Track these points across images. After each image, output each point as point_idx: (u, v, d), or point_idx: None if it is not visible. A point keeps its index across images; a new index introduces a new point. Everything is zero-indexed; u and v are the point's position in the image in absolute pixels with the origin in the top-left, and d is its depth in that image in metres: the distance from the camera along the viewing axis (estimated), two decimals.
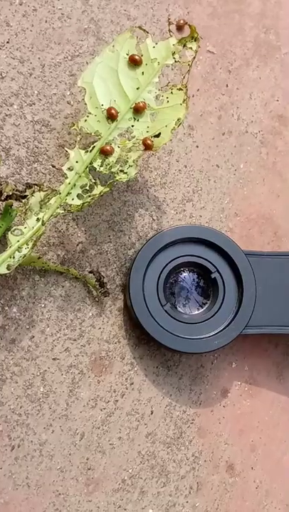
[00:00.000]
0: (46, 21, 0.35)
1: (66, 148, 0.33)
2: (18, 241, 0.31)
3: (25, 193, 0.31)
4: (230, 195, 0.37)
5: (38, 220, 0.31)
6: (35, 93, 0.34)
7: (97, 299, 0.34)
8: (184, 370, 0.35)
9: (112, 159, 0.32)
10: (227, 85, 0.38)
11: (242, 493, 0.35)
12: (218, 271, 0.34)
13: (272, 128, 0.38)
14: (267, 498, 0.36)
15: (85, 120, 0.32)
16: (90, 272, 0.33)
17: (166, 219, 0.35)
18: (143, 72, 0.32)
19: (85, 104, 0.32)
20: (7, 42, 0.34)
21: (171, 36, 0.32)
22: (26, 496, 0.32)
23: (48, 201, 0.31)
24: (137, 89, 0.32)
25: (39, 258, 0.32)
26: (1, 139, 0.34)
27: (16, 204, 0.31)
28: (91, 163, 0.31)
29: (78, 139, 0.32)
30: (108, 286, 0.34)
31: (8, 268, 0.30)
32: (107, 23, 0.36)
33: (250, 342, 0.35)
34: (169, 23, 0.32)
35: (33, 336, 0.33)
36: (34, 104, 0.34)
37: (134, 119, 0.32)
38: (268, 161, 0.38)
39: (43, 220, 0.31)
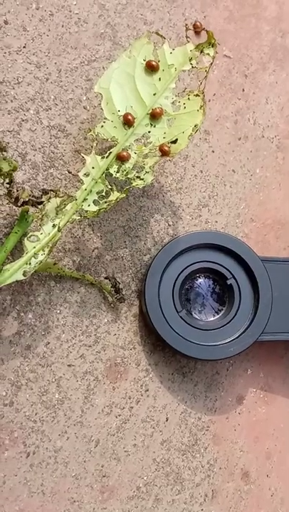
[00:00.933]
0: (63, 26, 0.35)
1: (82, 154, 0.33)
2: (34, 247, 0.31)
3: (42, 199, 0.31)
4: (246, 200, 0.37)
5: (54, 226, 0.31)
6: (51, 98, 0.34)
7: (112, 305, 0.34)
8: (199, 376, 0.35)
9: (128, 165, 0.32)
10: (243, 90, 0.38)
11: (257, 501, 0.35)
12: (233, 277, 0.34)
13: (287, 133, 0.38)
14: (282, 506, 0.36)
15: (102, 126, 0.32)
16: (106, 278, 0.33)
17: (181, 224, 0.35)
18: (160, 78, 0.32)
19: (102, 109, 0.32)
20: (24, 47, 0.34)
21: (188, 42, 0.32)
22: (41, 503, 0.32)
23: (64, 207, 0.31)
24: (154, 95, 0.32)
25: (55, 264, 0.32)
26: (18, 144, 0.34)
27: (32, 210, 0.31)
28: (107, 169, 0.31)
29: (94, 144, 0.32)
30: (124, 292, 0.34)
31: (24, 274, 0.30)
32: (123, 28, 0.36)
33: (265, 349, 0.35)
34: (187, 29, 0.32)
35: (49, 342, 0.33)
36: (50, 109, 0.34)
37: (151, 125, 0.32)
38: (284, 166, 0.38)
39: (59, 226, 0.31)
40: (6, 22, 0.34)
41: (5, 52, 0.34)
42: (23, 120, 0.34)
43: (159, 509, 0.33)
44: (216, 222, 0.36)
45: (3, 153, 0.30)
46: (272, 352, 0.36)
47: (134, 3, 0.36)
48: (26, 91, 0.34)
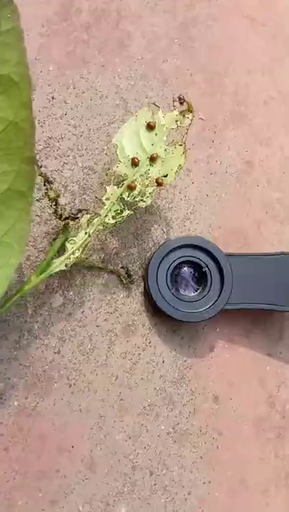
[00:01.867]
0: (91, 99, 0.35)
1: (105, 185, 0.33)
2: (73, 247, 0.31)
3: (78, 216, 0.31)
4: (215, 215, 0.36)
5: (85, 233, 0.31)
6: (83, 148, 0.35)
7: (126, 285, 0.34)
8: (184, 332, 0.35)
9: (135, 192, 0.32)
10: (213, 141, 0.37)
11: (223, 416, 0.35)
12: (207, 267, 0.34)
13: (244, 169, 0.38)
14: (241, 418, 0.35)
15: (117, 166, 0.32)
16: (121, 268, 0.34)
17: (172, 232, 0.35)
18: (156, 134, 0.32)
19: (117, 155, 0.32)
20: (65, 114, 0.35)
21: (174, 109, 0.32)
22: (79, 418, 0.32)
23: (92, 221, 0.31)
24: (152, 145, 0.32)
25: (86, 259, 0.33)
26: (61, 179, 0.34)
27: (71, 223, 0.31)
28: (121, 195, 0.32)
29: (112, 178, 0.32)
30: (133, 277, 0.34)
31: (66, 266, 0.31)
32: (131, 101, 0.36)
33: (229, 314, 0.35)
34: (174, 100, 0.32)
35: (84, 311, 0.33)
36: (83, 155, 0.34)
37: (150, 165, 0.32)
38: (240, 192, 0.38)
39: (89, 234, 0.31)
40: (52, 98, 0.35)
41: (52, 118, 0.34)
42: (65, 163, 0.34)
43: (158, 421, 0.33)
44: (195, 230, 0.36)
45: (51, 185, 0.30)
46: (233, 316, 0.36)
47: (138, 84, 0.36)
48: (67, 144, 0.34)
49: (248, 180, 0.38)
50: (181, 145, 0.32)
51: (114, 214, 0.31)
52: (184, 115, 0.32)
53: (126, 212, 0.32)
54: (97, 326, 0.33)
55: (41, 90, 0.34)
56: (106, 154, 0.35)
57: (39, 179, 0.32)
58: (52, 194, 0.30)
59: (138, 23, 0.37)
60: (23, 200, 0.27)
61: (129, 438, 0.33)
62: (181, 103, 0.32)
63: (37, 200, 0.33)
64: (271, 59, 0.40)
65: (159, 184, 0.32)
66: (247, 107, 0.39)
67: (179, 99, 0.32)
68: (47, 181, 0.30)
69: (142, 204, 0.32)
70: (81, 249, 0.31)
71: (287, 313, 0.37)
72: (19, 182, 0.26)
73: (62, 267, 0.30)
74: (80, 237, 0.31)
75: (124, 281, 0.34)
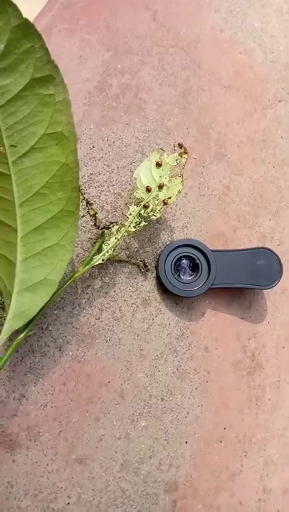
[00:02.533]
0: (119, 147, 0.35)
1: (128, 205, 0.33)
2: (107, 248, 0.31)
3: (110, 226, 0.31)
4: (204, 223, 0.36)
5: (115, 238, 0.31)
6: (114, 180, 0.34)
7: (143, 273, 0.34)
8: (184, 304, 0.35)
9: (149, 209, 0.31)
10: (202, 173, 0.37)
11: (211, 360, 0.35)
12: (199, 259, 0.34)
13: (223, 192, 0.37)
14: (223, 361, 0.35)
15: (137, 192, 0.32)
16: (140, 261, 0.33)
17: (175, 236, 0.35)
18: (162, 169, 0.32)
19: (136, 184, 0.32)
20: (101, 157, 0.34)
21: (175, 152, 0.31)
22: (113, 363, 0.32)
23: (120, 229, 0.31)
24: (160, 177, 0.32)
25: (116, 255, 0.33)
26: (99, 201, 0.34)
27: (106, 231, 0.31)
28: (139, 211, 0.31)
29: (134, 200, 0.32)
30: (148, 267, 0.34)
31: (102, 260, 0.31)
32: (146, 147, 0.36)
33: (214, 291, 0.35)
34: (174, 146, 0.32)
35: (115, 290, 0.33)
36: (114, 185, 0.34)
37: (159, 191, 0.32)
38: (221, 207, 0.37)
39: (118, 238, 0.31)
40: (93, 146, 0.34)
41: (93, 160, 0.34)
42: (101, 191, 0.34)
43: (166, 364, 0.33)
44: (191, 234, 0.36)
45: (91, 206, 0.30)
46: (218, 292, 0.36)
47: (151, 136, 0.36)
48: (103, 177, 0.34)
49: (226, 199, 0.37)
50: (179, 176, 0.31)
51: (134, 224, 0.31)
52: (181, 156, 0.32)
53: (143, 223, 0.31)
54: (124, 301, 0.33)
55: (85, 142, 0.34)
56: (129, 184, 0.35)
57: (84, 202, 0.32)
58: (91, 212, 0.30)
59: (151, 94, 0.37)
60: (73, 216, 0.27)
61: (147, 376, 0.33)
62: (180, 148, 0.32)
63: (83, 216, 0.33)
64: (243, 114, 0.40)
65: (165, 203, 0.32)
66: (226, 148, 0.38)
67: (179, 145, 0.32)
68: (88, 203, 0.30)
69: (153, 218, 0.32)
70: (113, 249, 0.31)
71: (255, 290, 0.37)
72: (70, 204, 0.27)
73: (100, 261, 0.31)
74: (112, 241, 0.31)
75: (142, 270, 0.34)
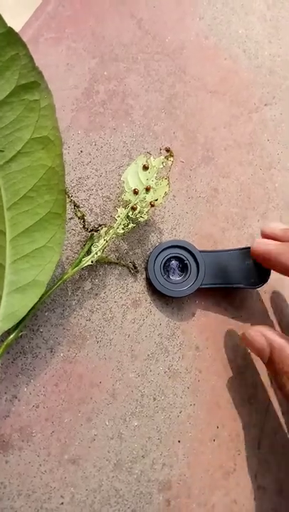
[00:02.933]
0: (107, 152, 0.35)
1: (117, 208, 0.34)
2: (96, 249, 0.31)
3: (99, 228, 0.32)
4: (192, 225, 0.37)
5: (104, 240, 0.31)
6: (102, 184, 0.35)
7: (133, 274, 0.34)
8: (174, 304, 0.35)
9: (137, 211, 0.32)
10: (190, 176, 0.38)
11: (202, 359, 0.35)
12: (187, 260, 0.34)
13: (211, 194, 0.38)
14: (214, 360, 0.36)
15: (124, 195, 0.32)
16: (130, 262, 0.34)
17: (163, 237, 0.35)
18: (149, 172, 0.32)
19: (124, 187, 0.32)
20: (90, 162, 0.35)
21: (161, 154, 0.32)
22: (104, 363, 0.32)
23: (109, 231, 0.31)
24: (147, 180, 0.32)
25: (106, 257, 0.33)
26: (88, 204, 0.34)
27: (95, 233, 0.31)
28: (127, 213, 0.32)
29: (122, 203, 0.33)
30: (138, 268, 0.34)
31: (92, 262, 0.31)
32: (134, 151, 0.36)
33: (204, 291, 0.35)
34: (160, 149, 0.33)
35: (105, 292, 0.33)
36: (102, 188, 0.35)
37: (146, 193, 0.32)
38: (210, 209, 0.38)
39: (107, 240, 0.31)
40: (81, 151, 0.35)
41: (81, 165, 0.35)
42: (90, 194, 0.34)
43: (158, 364, 0.33)
44: (179, 236, 0.36)
45: (78, 208, 0.31)
46: (207, 292, 0.36)
47: (138, 140, 0.37)
48: (91, 181, 0.35)
49: (214, 201, 0.38)
50: (166, 179, 0.32)
51: (123, 226, 0.32)
52: (167, 159, 0.32)
53: (131, 225, 0.32)
54: (115, 302, 0.33)
55: (73, 147, 0.35)
56: (118, 187, 0.35)
57: (72, 205, 0.32)
58: (79, 214, 0.31)
59: (137, 99, 0.38)
60: (60, 219, 0.27)
61: (139, 376, 0.33)
62: (167, 151, 0.33)
63: (71, 218, 0.33)
64: (229, 118, 0.41)
65: (152, 205, 0.32)
66: (213, 152, 0.39)
67: (166, 149, 0.33)
68: (75, 206, 0.31)
69: (141, 219, 0.32)
70: (102, 251, 0.31)
71: (244, 289, 0.37)
72: (57, 207, 0.27)
73: (89, 263, 0.31)
74: (101, 243, 0.31)
75: (132, 272, 0.34)
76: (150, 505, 0.32)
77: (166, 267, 0.34)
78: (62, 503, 0.30)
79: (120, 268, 0.34)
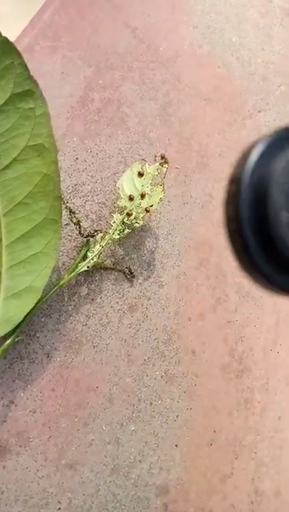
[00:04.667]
0: (102, 159, 0.36)
1: (112, 214, 0.34)
2: (92, 255, 0.31)
3: (94, 234, 0.32)
4: (188, 230, 0.37)
5: (100, 245, 0.31)
6: (98, 190, 0.35)
7: (129, 279, 0.34)
8: (170, 309, 0.35)
9: (132, 217, 0.32)
10: (185, 182, 0.38)
11: (199, 363, 0.35)
12: None
13: (206, 200, 0.38)
14: (210, 365, 0.35)
15: (120, 201, 0.32)
16: (126, 268, 0.34)
17: (159, 242, 0.36)
18: (144, 178, 0.32)
19: (120, 194, 0.32)
20: (85, 168, 0.35)
21: (156, 162, 0.32)
22: (100, 368, 0.33)
23: (104, 237, 0.32)
24: (142, 186, 0.32)
25: (102, 262, 0.33)
26: (84, 211, 0.34)
27: (91, 239, 0.32)
28: (123, 219, 0.32)
29: (117, 209, 0.33)
30: (134, 274, 0.34)
31: (88, 267, 0.31)
32: (129, 158, 0.37)
33: (201, 295, 0.35)
34: (155, 156, 0.33)
35: (101, 297, 0.34)
36: (98, 195, 0.35)
37: (141, 199, 0.32)
38: (205, 215, 0.38)
39: (102, 246, 0.31)
40: (76, 158, 0.35)
41: (77, 172, 0.35)
42: (86, 200, 0.35)
43: (154, 369, 0.33)
44: (175, 241, 0.36)
45: (74, 214, 0.31)
46: (204, 297, 0.36)
47: (134, 147, 0.37)
48: (87, 188, 0.35)
49: (209, 206, 0.38)
50: (160, 185, 0.32)
51: (118, 232, 0.32)
52: (162, 165, 0.33)
53: (126, 231, 0.32)
54: (111, 307, 0.34)
55: (69, 154, 0.35)
56: (113, 194, 0.35)
57: (68, 211, 0.33)
58: (75, 220, 0.31)
59: (132, 107, 0.38)
60: (56, 225, 0.28)
61: (135, 380, 0.33)
62: (162, 158, 0.33)
63: (67, 224, 0.34)
64: (223, 124, 0.41)
65: (147, 211, 0.32)
66: (208, 158, 0.39)
67: (161, 156, 0.33)
68: (71, 212, 0.31)
69: (136, 225, 0.32)
70: (98, 256, 0.32)
71: (241, 294, 0.37)
72: (52, 213, 0.27)
73: (85, 268, 0.31)
74: (97, 248, 0.32)
75: (128, 277, 0.34)
76: (148, 510, 0.31)
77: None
78: (59, 509, 0.30)
79: (116, 273, 0.34)
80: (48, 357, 0.31)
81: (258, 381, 0.37)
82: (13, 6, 0.41)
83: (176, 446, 0.33)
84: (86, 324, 0.33)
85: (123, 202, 0.32)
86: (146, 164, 0.33)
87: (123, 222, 0.32)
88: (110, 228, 0.32)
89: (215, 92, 0.41)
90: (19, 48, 0.25)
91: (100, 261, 0.33)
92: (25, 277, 0.27)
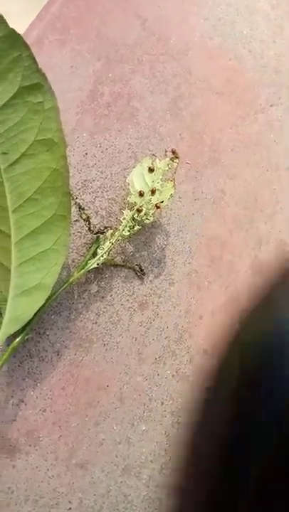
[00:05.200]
0: (112, 154, 0.35)
1: (122, 210, 0.33)
2: (102, 252, 0.31)
3: (104, 231, 0.31)
4: (199, 227, 0.36)
5: (110, 242, 0.31)
6: (108, 186, 0.35)
7: (139, 276, 0.34)
8: (181, 307, 0.34)
9: (142, 213, 0.32)
10: (196, 177, 0.37)
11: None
12: None
13: (218, 196, 0.38)
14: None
15: (130, 197, 0.32)
16: (136, 265, 0.34)
17: (170, 239, 0.35)
18: (155, 174, 0.32)
19: (130, 190, 0.32)
20: (95, 164, 0.35)
21: (166, 157, 0.32)
22: (111, 366, 0.32)
23: (114, 234, 0.31)
24: (152, 182, 0.32)
25: (112, 259, 0.33)
26: (94, 207, 0.34)
27: (100, 236, 0.31)
28: (133, 215, 0.32)
29: (127, 205, 0.32)
30: (144, 271, 0.34)
31: (98, 264, 0.31)
32: (139, 153, 0.36)
33: (211, 293, 0.35)
34: (166, 151, 0.33)
35: (112, 294, 0.33)
36: (108, 191, 0.35)
37: (151, 195, 0.32)
38: (216, 211, 0.37)
39: (112, 242, 0.31)
40: (86, 153, 0.35)
41: (86, 167, 0.35)
42: (96, 197, 0.34)
43: (165, 368, 0.33)
44: (186, 237, 0.36)
45: (83, 210, 0.31)
46: (215, 295, 0.35)
47: (144, 142, 0.36)
48: (97, 183, 0.34)
49: (221, 203, 0.37)
50: (171, 181, 0.32)
51: (128, 228, 0.32)
52: (172, 161, 0.32)
53: (137, 227, 0.32)
54: (121, 305, 0.33)
55: (78, 149, 0.35)
56: (123, 190, 0.35)
57: (77, 207, 0.32)
58: (84, 216, 0.31)
59: (142, 101, 0.37)
60: (65, 221, 0.27)
61: (146, 379, 0.33)
62: (173, 153, 0.32)
63: (76, 220, 0.33)
64: (236, 119, 0.40)
65: (157, 207, 0.32)
66: (220, 153, 0.39)
67: (172, 151, 0.32)
68: (80, 208, 0.31)
69: (147, 221, 0.32)
70: (107, 253, 0.31)
71: (251, 292, 0.37)
72: (61, 209, 0.27)
73: (95, 265, 0.31)
74: (107, 245, 0.31)
75: (138, 274, 0.34)
76: (159, 511, 0.31)
77: None
78: (70, 509, 0.29)
79: (126, 271, 0.34)
80: (57, 355, 0.31)
81: None
82: (21, 2, 0.41)
83: None
84: (96, 322, 0.32)
85: (133, 198, 0.32)
86: (157, 159, 0.32)
87: (133, 219, 0.32)
88: (120, 225, 0.31)
89: (227, 85, 0.41)
90: (28, 42, 0.25)
91: (109, 258, 0.32)
92: (34, 275, 0.27)
